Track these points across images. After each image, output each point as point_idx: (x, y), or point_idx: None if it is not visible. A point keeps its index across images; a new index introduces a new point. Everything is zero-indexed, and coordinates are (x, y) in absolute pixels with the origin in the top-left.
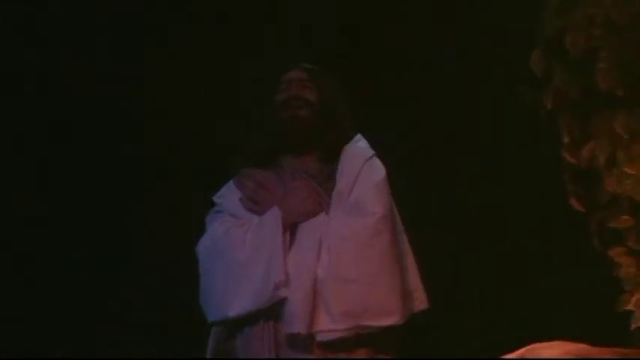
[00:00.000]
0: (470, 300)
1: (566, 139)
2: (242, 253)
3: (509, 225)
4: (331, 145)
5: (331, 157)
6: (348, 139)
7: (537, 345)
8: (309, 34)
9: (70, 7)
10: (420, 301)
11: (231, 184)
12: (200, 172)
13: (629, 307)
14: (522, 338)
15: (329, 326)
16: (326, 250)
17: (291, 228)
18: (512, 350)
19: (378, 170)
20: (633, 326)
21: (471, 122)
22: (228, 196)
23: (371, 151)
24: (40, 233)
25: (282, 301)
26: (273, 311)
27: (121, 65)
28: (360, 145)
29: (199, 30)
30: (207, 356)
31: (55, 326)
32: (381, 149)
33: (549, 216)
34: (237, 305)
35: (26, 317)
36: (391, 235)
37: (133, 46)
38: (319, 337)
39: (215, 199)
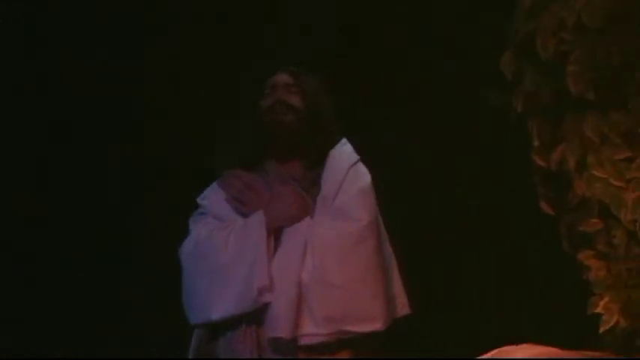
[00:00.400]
0: (440, 303)
1: (536, 142)
2: (225, 256)
3: (479, 227)
4: (316, 151)
5: (316, 162)
6: (333, 143)
7: (508, 347)
8: (308, 33)
9: (69, 6)
10: (402, 306)
11: (215, 185)
12: (200, 173)
13: (598, 310)
14: (493, 340)
15: (312, 330)
16: (310, 254)
17: (275, 232)
18: (482, 352)
19: (362, 176)
20: (602, 329)
21: (442, 124)
22: (212, 197)
23: (356, 157)
24: (40, 233)
25: (266, 305)
26: (256, 314)
27: (120, 65)
28: (345, 150)
29: (200, 30)
30: (190, 357)
31: (55, 326)
32: (363, 151)
33: (519, 219)
34: (220, 308)
35: (26, 317)
36: (376, 242)
37: (133, 46)
38: (302, 341)
39: (199, 200)
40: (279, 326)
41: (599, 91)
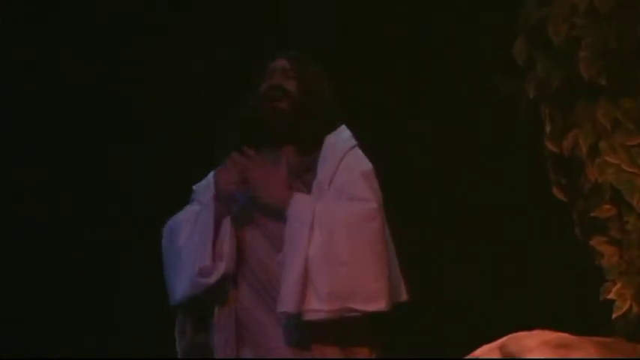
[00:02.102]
0: (451, 289)
1: (548, 129)
2: (181, 240)
3: (491, 214)
4: (310, 137)
5: (312, 148)
6: (330, 130)
7: (519, 334)
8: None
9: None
10: (402, 293)
11: (210, 176)
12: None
13: (611, 296)
14: (504, 327)
15: (316, 306)
16: (318, 230)
17: (282, 209)
18: (494, 339)
19: (363, 160)
20: (614, 315)
21: (453, 112)
22: (202, 184)
23: (353, 142)
24: (40, 233)
25: (248, 283)
26: (235, 292)
27: (121, 65)
28: (342, 136)
29: (200, 29)
30: (179, 351)
31: (55, 326)
32: (376, 139)
33: (531, 205)
34: (180, 290)
35: (26, 317)
36: (382, 224)
37: (132, 45)
38: (306, 317)
39: (193, 187)
40: (285, 302)
41: (612, 76)
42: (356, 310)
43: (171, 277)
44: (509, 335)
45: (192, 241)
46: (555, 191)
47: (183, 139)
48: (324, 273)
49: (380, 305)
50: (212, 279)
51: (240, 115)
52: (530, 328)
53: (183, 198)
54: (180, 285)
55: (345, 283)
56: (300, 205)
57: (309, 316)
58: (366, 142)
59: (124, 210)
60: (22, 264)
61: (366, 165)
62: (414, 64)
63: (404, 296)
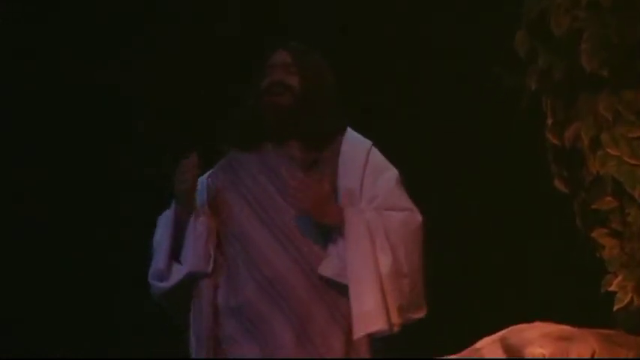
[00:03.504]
0: (451, 281)
1: (550, 121)
2: (154, 239)
3: (493, 206)
4: (314, 133)
5: (315, 144)
6: (332, 125)
7: (519, 326)
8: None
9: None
10: None
11: (204, 178)
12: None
13: (612, 288)
14: (505, 319)
15: (395, 321)
16: (380, 245)
17: (332, 223)
18: (494, 331)
19: (386, 162)
20: (616, 308)
21: (453, 105)
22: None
23: (368, 142)
24: (40, 233)
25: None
26: (205, 292)
27: (122, 65)
28: (354, 139)
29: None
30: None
31: (55, 326)
32: (381, 135)
33: (533, 197)
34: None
35: (26, 317)
36: (422, 226)
37: (133, 44)
38: (379, 334)
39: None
40: (375, 320)
41: (613, 69)
42: (412, 320)
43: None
44: (510, 327)
45: (156, 243)
46: (557, 183)
47: (183, 138)
48: (394, 287)
49: (424, 312)
50: (168, 283)
51: (241, 114)
52: (531, 321)
53: None
54: (152, 282)
55: (408, 295)
56: (354, 221)
57: (384, 333)
58: (378, 132)
59: (126, 209)
60: (22, 264)
61: (392, 168)
62: (415, 60)
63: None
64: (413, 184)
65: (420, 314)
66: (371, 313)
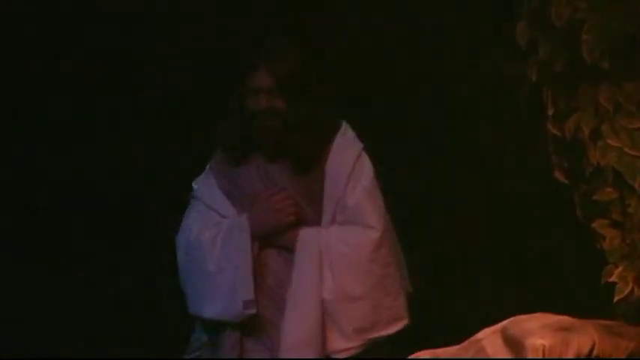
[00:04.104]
0: (452, 274)
1: (550, 111)
2: (211, 264)
3: (493, 197)
4: (304, 154)
5: (305, 165)
6: (325, 141)
7: (519, 317)
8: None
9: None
10: (408, 285)
11: (207, 169)
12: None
13: (613, 279)
14: (505, 311)
15: (344, 346)
16: (328, 268)
17: (289, 244)
18: (494, 323)
19: (367, 171)
20: (616, 298)
21: (454, 95)
22: (204, 184)
23: (359, 146)
24: (40, 231)
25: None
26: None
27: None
28: (347, 144)
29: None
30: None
31: (55, 326)
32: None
33: (534, 188)
34: (211, 311)
35: (26, 317)
36: (390, 242)
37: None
38: (335, 356)
39: (193, 184)
40: (309, 347)
41: (614, 60)
42: (381, 337)
43: (198, 294)
44: (511, 318)
45: (228, 268)
46: (557, 174)
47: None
48: (344, 312)
49: (402, 323)
50: (255, 309)
51: (229, 134)
52: (533, 312)
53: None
54: (213, 306)
55: (367, 315)
56: (305, 244)
57: (339, 356)
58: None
59: (127, 209)
60: (22, 263)
61: (368, 176)
62: (414, 49)
63: (409, 288)
64: (413, 175)
65: (398, 327)
66: (303, 341)
